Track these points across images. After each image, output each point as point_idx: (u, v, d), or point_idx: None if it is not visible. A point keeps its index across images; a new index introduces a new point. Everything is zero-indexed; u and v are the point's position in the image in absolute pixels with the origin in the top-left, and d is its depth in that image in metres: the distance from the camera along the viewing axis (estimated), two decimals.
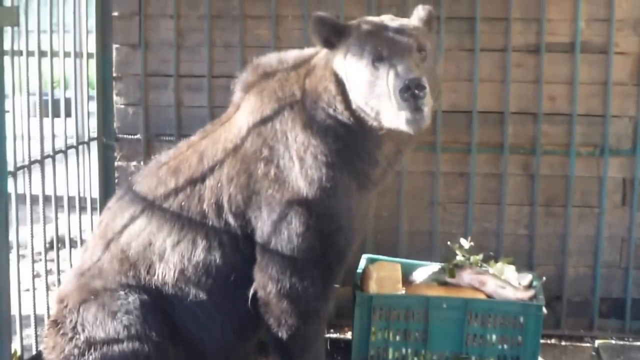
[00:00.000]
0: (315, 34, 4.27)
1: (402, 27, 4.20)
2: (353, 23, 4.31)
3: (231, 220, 4.40)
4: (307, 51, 4.58)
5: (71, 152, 5.48)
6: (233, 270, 4.43)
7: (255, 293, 4.44)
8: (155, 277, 4.42)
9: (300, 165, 4.31)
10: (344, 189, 4.35)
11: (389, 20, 4.29)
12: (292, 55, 4.59)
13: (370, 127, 4.22)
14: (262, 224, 4.37)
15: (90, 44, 5.98)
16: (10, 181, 4.45)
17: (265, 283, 4.38)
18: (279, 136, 4.38)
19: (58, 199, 5.22)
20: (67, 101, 5.85)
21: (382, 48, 4.10)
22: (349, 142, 4.31)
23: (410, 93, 3.93)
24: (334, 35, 4.25)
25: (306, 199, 4.30)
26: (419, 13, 4.42)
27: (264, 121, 4.42)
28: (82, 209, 5.69)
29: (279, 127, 4.38)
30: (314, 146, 4.31)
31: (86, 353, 4.28)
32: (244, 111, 4.52)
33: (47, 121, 5.10)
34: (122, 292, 4.36)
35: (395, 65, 4.03)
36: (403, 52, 4.08)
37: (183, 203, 4.47)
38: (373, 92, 4.12)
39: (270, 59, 4.61)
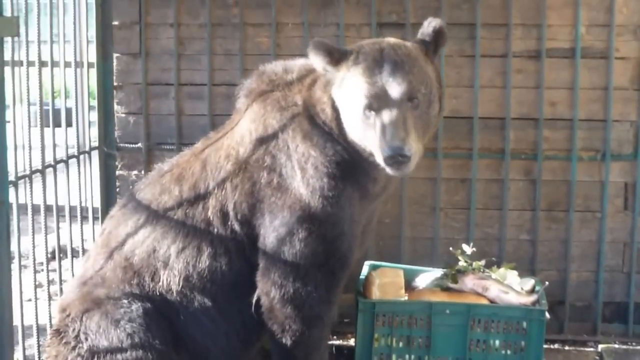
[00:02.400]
0: (316, 60, 4.28)
1: (396, 69, 4.16)
2: (353, 50, 4.29)
3: (237, 227, 4.41)
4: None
5: (72, 162, 5.48)
6: (238, 276, 4.44)
7: (258, 299, 4.44)
8: (160, 284, 4.42)
9: (302, 174, 4.32)
10: (347, 197, 4.37)
11: (389, 50, 4.23)
12: (298, 64, 4.60)
13: (367, 155, 4.29)
14: (265, 230, 4.37)
15: (91, 54, 6.00)
16: (11, 191, 4.45)
17: (268, 289, 4.38)
18: (280, 145, 4.39)
19: (59, 209, 5.22)
20: (68, 111, 5.87)
21: (372, 99, 4.12)
22: (347, 158, 4.35)
23: (394, 160, 4.03)
24: (332, 62, 4.26)
25: (309, 206, 4.32)
26: (426, 29, 4.38)
27: (266, 130, 4.44)
28: (84, 218, 5.68)
29: (280, 137, 4.40)
30: (314, 157, 4.33)
31: None
32: (247, 119, 4.53)
33: (48, 131, 5.10)
34: (125, 300, 4.35)
35: (383, 121, 4.09)
36: (392, 106, 4.11)
37: (187, 210, 4.48)
38: (364, 136, 4.20)
39: (276, 67, 4.63)
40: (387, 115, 4.09)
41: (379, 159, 4.11)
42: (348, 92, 4.22)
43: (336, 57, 4.25)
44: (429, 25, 4.37)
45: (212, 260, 4.42)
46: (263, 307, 4.43)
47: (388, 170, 4.12)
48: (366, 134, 4.18)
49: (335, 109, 4.32)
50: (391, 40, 4.36)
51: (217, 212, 4.44)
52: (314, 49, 4.27)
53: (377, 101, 4.11)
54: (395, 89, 4.12)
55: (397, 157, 4.01)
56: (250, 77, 4.66)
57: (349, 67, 4.23)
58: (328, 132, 4.35)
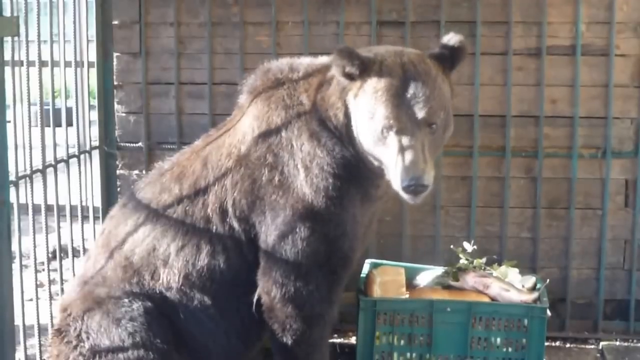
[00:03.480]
0: (338, 66, 4.23)
1: (419, 92, 4.12)
2: (375, 60, 4.24)
3: (235, 224, 4.41)
4: (320, 60, 4.57)
5: (73, 161, 5.48)
6: (237, 275, 4.44)
7: (259, 298, 4.45)
8: (160, 282, 4.43)
9: (306, 173, 4.32)
10: (350, 198, 4.38)
11: (411, 67, 4.19)
12: (304, 63, 4.58)
13: (375, 166, 4.29)
14: (266, 229, 4.37)
15: (91, 53, 5.99)
16: (12, 191, 4.45)
17: (269, 288, 4.38)
18: (284, 143, 4.39)
19: (60, 208, 5.22)
20: (69, 110, 5.88)
21: (394, 121, 4.10)
22: (354, 163, 4.35)
23: (413, 190, 4.05)
24: (357, 70, 4.21)
25: (312, 205, 4.32)
26: (446, 44, 4.32)
27: (270, 128, 4.44)
28: (85, 217, 5.69)
29: (284, 135, 4.39)
30: (320, 157, 4.32)
31: None
32: (250, 116, 4.52)
33: (48, 130, 5.10)
34: (126, 299, 4.36)
35: (403, 146, 4.08)
36: (413, 131, 4.10)
37: (187, 208, 4.48)
38: (379, 151, 4.19)
39: (282, 65, 4.61)
40: (408, 141, 4.08)
41: (396, 184, 4.12)
42: (367, 105, 4.18)
43: (359, 65, 4.20)
44: (450, 40, 4.32)
45: (211, 258, 4.42)
46: (264, 306, 4.43)
47: (403, 196, 4.14)
48: (381, 150, 4.17)
49: (347, 117, 4.29)
50: (411, 53, 4.32)
51: (217, 209, 4.44)
52: (338, 55, 4.21)
53: (399, 123, 4.09)
54: (418, 114, 4.10)
55: (417, 188, 4.04)
56: (254, 74, 4.65)
57: (370, 78, 4.20)
58: (338, 137, 4.34)
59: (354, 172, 4.35)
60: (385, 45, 4.80)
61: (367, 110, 4.18)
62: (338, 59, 4.21)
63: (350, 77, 4.24)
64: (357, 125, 4.25)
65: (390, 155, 4.12)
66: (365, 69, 4.20)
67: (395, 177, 4.11)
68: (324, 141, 4.34)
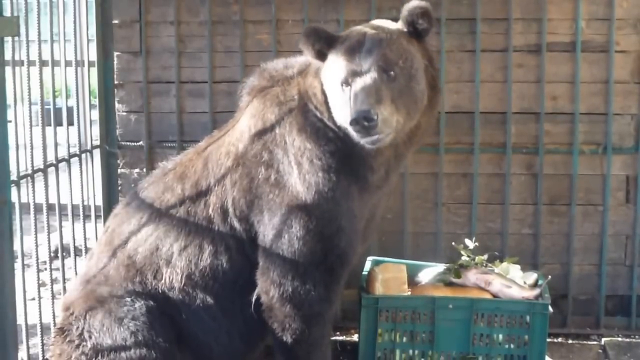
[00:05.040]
0: (307, 45, 4.30)
1: (372, 46, 4.16)
2: (341, 35, 4.33)
3: (236, 224, 4.42)
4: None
5: (74, 161, 5.48)
6: (239, 274, 4.44)
7: (258, 298, 4.45)
8: (162, 282, 4.43)
9: (299, 170, 4.32)
10: (342, 191, 4.35)
11: (371, 30, 4.25)
12: (299, 60, 4.59)
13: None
14: (264, 228, 4.38)
15: (92, 52, 6.00)
16: (13, 190, 4.45)
17: (267, 288, 4.39)
18: (278, 140, 4.40)
19: (62, 208, 5.22)
20: (69, 110, 5.88)
21: (348, 74, 4.13)
22: (341, 146, 4.33)
23: (360, 125, 3.97)
24: (325, 46, 4.28)
25: (305, 203, 4.31)
26: (402, 13, 4.33)
27: (265, 125, 4.45)
28: (86, 217, 5.69)
29: (278, 132, 4.40)
30: (309, 150, 4.32)
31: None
32: (247, 115, 4.54)
33: (49, 130, 5.10)
34: (128, 299, 4.37)
35: (355, 89, 4.08)
36: (363, 76, 4.11)
37: (189, 208, 4.49)
38: (344, 113, 4.18)
39: (277, 64, 4.64)
40: (358, 83, 4.09)
41: (350, 129, 4.08)
42: (330, 71, 4.24)
43: (329, 39, 4.28)
44: (407, 7, 4.31)
45: (213, 258, 4.42)
46: (263, 305, 4.43)
47: (358, 139, 4.08)
48: (344, 110, 4.15)
49: (324, 93, 4.32)
50: (379, 22, 4.41)
51: (218, 209, 4.45)
52: (305, 35, 4.30)
53: (353, 75, 4.12)
54: (369, 58, 4.13)
55: (362, 122, 3.95)
56: (252, 75, 4.67)
57: (336, 50, 4.25)
58: (320, 119, 4.34)
59: (343, 158, 4.33)
60: None
61: (331, 75, 4.23)
62: (305, 38, 4.29)
63: (321, 55, 4.29)
64: (328, 95, 4.28)
65: (348, 110, 4.10)
66: (332, 43, 4.26)
67: (348, 122, 4.06)
68: (309, 131, 4.34)
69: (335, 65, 4.22)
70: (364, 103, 3.99)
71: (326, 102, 4.31)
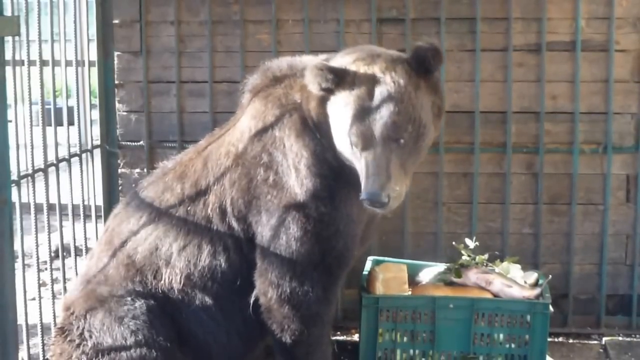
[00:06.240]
0: (314, 83, 4.17)
1: (383, 108, 4.07)
2: (349, 71, 4.18)
3: (234, 224, 4.42)
4: (321, 57, 4.54)
5: (74, 160, 5.48)
6: (238, 274, 4.45)
7: (257, 299, 4.45)
8: (162, 282, 4.43)
9: (296, 174, 4.32)
10: (341, 196, 4.35)
11: (380, 75, 4.13)
12: (303, 61, 4.54)
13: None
14: (262, 229, 4.38)
15: (92, 52, 6.00)
16: (14, 190, 4.45)
17: (266, 289, 4.39)
18: (277, 143, 4.39)
19: (62, 207, 5.22)
20: (70, 109, 5.87)
21: (358, 138, 4.08)
22: (336, 164, 4.33)
23: (369, 204, 4.05)
24: (332, 85, 4.15)
25: (303, 205, 4.31)
26: (416, 54, 4.19)
27: (265, 127, 4.44)
28: (87, 216, 5.69)
29: (277, 135, 4.39)
30: (306, 158, 4.31)
31: (94, 359, 4.30)
32: (249, 115, 4.53)
33: (49, 130, 5.10)
34: (128, 298, 4.37)
35: (367, 161, 4.07)
36: (376, 146, 4.07)
37: (189, 208, 4.49)
38: (354, 163, 4.19)
39: (281, 63, 4.59)
40: (370, 157, 4.07)
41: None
42: (339, 119, 4.17)
43: (333, 80, 4.14)
44: (420, 49, 4.18)
45: (212, 258, 4.43)
46: (262, 306, 4.44)
47: (367, 207, 4.13)
48: (355, 162, 4.17)
49: (328, 125, 4.26)
50: (385, 61, 4.22)
51: (217, 208, 4.45)
52: (311, 73, 4.17)
53: (362, 141, 4.07)
54: (381, 131, 4.06)
55: (374, 204, 4.03)
56: (255, 73, 4.65)
57: (343, 90, 4.15)
58: (319, 139, 4.32)
59: (340, 173, 4.32)
60: (366, 46, 4.64)
61: (340, 123, 4.17)
62: (311, 76, 4.16)
63: (327, 90, 4.18)
64: (335, 136, 4.23)
65: (359, 170, 4.14)
66: (339, 81, 4.14)
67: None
68: (307, 141, 4.32)
69: (344, 117, 4.14)
70: (375, 183, 4.00)
71: (329, 134, 4.26)
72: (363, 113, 4.09)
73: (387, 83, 4.11)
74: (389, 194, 4.00)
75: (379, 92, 4.10)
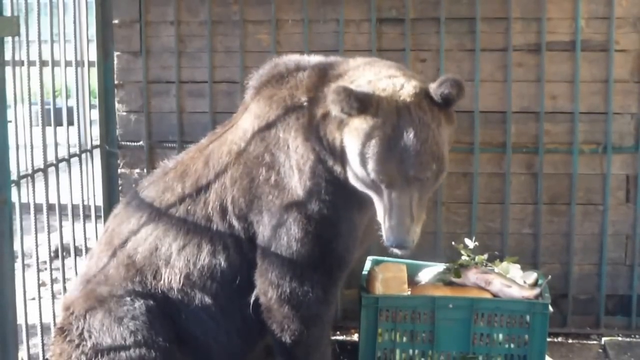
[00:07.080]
0: (336, 105, 4.05)
1: (410, 147, 4.00)
2: (373, 99, 4.07)
3: (235, 222, 4.42)
4: (331, 59, 4.53)
5: (74, 161, 5.48)
6: (238, 274, 4.45)
7: (257, 299, 4.45)
8: (162, 282, 4.43)
9: (299, 175, 4.31)
10: (343, 201, 4.35)
11: (406, 114, 4.04)
12: (312, 62, 4.51)
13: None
14: (263, 229, 4.38)
15: (92, 52, 6.00)
16: (13, 190, 4.45)
17: (266, 289, 4.39)
18: (280, 144, 4.38)
19: (62, 207, 5.22)
20: (69, 110, 5.88)
21: (382, 176, 4.04)
22: (342, 179, 4.30)
23: (395, 249, 4.11)
24: (355, 111, 4.06)
25: (305, 207, 4.31)
26: (440, 89, 4.10)
27: (269, 127, 4.42)
28: (86, 216, 5.69)
29: (282, 136, 4.37)
30: (312, 161, 4.30)
31: (93, 359, 4.30)
32: (252, 114, 4.51)
33: (49, 130, 5.10)
34: (128, 298, 4.37)
35: (392, 202, 4.06)
36: (402, 187, 4.05)
37: (189, 207, 4.49)
38: (370, 193, 4.18)
39: (290, 61, 4.55)
40: (396, 198, 4.05)
41: (383, 236, 4.12)
42: (360, 150, 4.08)
43: (357, 107, 4.04)
44: (444, 84, 4.10)
45: (212, 257, 4.43)
46: (262, 306, 4.44)
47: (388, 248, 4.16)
48: (371, 193, 4.15)
49: (343, 149, 4.19)
50: (409, 93, 4.12)
51: (217, 207, 4.45)
52: (336, 95, 4.04)
53: (388, 179, 4.04)
54: (408, 171, 4.02)
55: (400, 249, 4.09)
56: (262, 68, 4.61)
57: (366, 118, 4.07)
58: (330, 155, 4.27)
59: (346, 185, 4.28)
60: (386, 67, 4.44)
61: (359, 155, 4.08)
62: (336, 99, 4.04)
63: (348, 114, 4.10)
64: (350, 163, 4.16)
65: (379, 206, 4.13)
66: (362, 108, 4.05)
67: (383, 232, 4.11)
68: (314, 145, 4.28)
69: (365, 151, 4.05)
70: (402, 229, 4.03)
71: (342, 157, 4.20)
72: (389, 151, 4.03)
73: (413, 121, 4.04)
74: (414, 236, 4.07)
75: (404, 129, 4.03)
